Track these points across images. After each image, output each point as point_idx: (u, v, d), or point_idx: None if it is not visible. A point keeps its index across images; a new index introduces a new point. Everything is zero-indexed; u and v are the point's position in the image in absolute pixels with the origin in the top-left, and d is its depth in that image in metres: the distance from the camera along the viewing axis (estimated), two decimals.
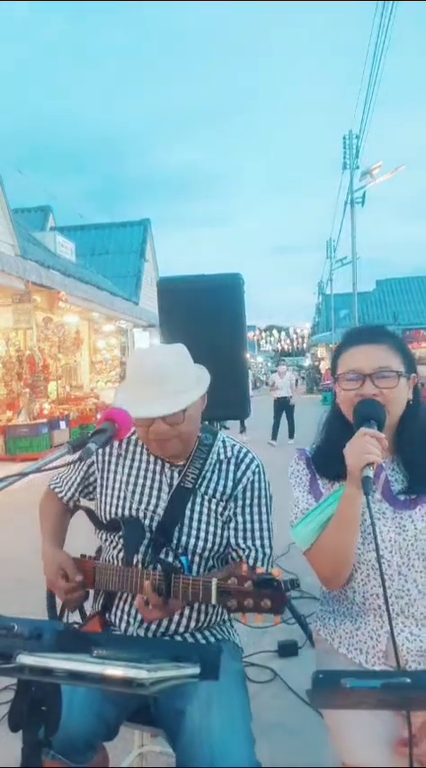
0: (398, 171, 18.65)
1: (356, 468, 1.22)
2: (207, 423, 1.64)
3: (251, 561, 1.45)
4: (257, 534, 1.49)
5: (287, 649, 2.88)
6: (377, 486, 1.37)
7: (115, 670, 0.80)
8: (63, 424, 11.29)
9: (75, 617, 1.59)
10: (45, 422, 10.68)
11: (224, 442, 1.58)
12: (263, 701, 2.46)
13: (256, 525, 1.49)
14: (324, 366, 33.14)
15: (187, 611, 1.49)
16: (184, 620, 1.49)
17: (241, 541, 1.48)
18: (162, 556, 1.46)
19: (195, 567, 1.48)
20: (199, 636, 1.53)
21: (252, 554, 1.47)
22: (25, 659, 0.82)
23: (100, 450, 1.30)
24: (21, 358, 11.47)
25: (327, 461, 1.39)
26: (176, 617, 1.48)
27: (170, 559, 1.46)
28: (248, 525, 1.49)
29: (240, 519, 1.49)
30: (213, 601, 1.18)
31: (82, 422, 12.16)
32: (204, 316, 2.74)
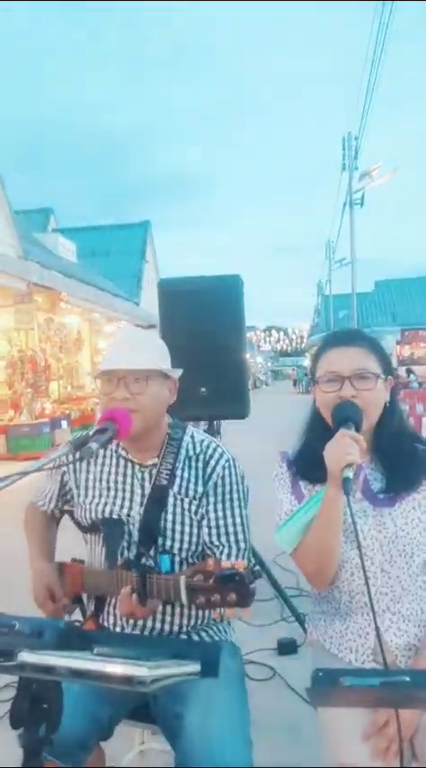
0: (397, 172, 18.65)
1: (336, 470, 1.23)
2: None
3: (224, 557, 1.45)
4: (231, 530, 1.48)
5: (286, 647, 2.88)
6: (357, 485, 1.39)
7: (116, 668, 0.80)
8: (64, 424, 11.30)
9: (76, 615, 1.59)
10: (46, 421, 10.69)
11: (192, 436, 1.56)
12: (262, 699, 2.46)
13: (229, 520, 1.48)
14: None
15: (178, 610, 1.49)
16: (177, 620, 1.50)
17: (215, 538, 1.48)
18: (143, 559, 1.46)
19: (177, 567, 1.47)
20: (195, 636, 1.53)
21: (226, 550, 1.46)
22: (26, 657, 0.83)
23: (69, 458, 1.30)
24: (23, 358, 11.48)
25: (308, 464, 1.40)
26: (168, 617, 1.48)
27: (151, 562, 1.45)
28: (221, 521, 1.48)
29: (213, 516, 1.48)
30: (183, 599, 1.18)
31: (83, 422, 12.17)
32: (204, 316, 2.74)
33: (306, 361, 43.22)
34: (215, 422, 2.99)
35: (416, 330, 27.13)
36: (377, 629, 1.20)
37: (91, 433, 1.35)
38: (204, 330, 2.66)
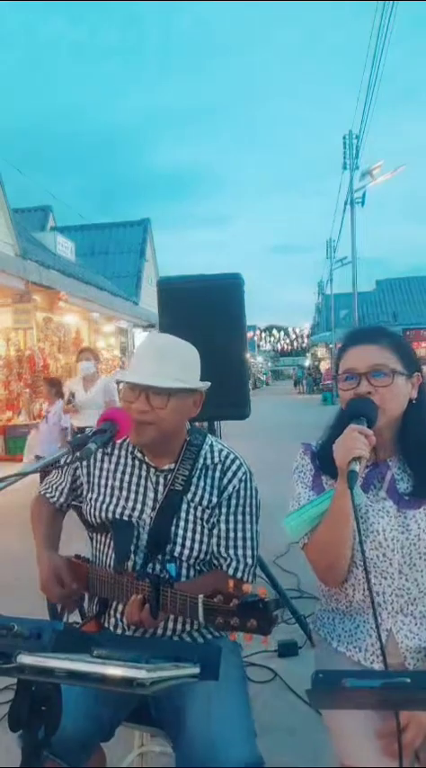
0: (398, 171, 18.66)
1: (343, 463, 1.24)
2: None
3: (231, 571, 1.44)
4: (240, 543, 1.47)
5: (287, 649, 2.87)
6: (383, 484, 1.38)
7: (115, 670, 0.80)
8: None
9: (74, 617, 1.59)
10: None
11: (211, 446, 1.55)
12: (263, 700, 2.46)
13: (239, 534, 1.47)
14: (324, 366, 33.13)
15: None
16: (179, 625, 1.48)
17: (223, 550, 1.47)
18: (150, 564, 1.45)
19: (184, 572, 1.46)
20: (196, 635, 1.52)
21: (233, 564, 1.46)
22: (25, 659, 0.82)
23: (68, 458, 1.29)
24: (21, 358, 11.46)
25: (329, 459, 1.40)
26: (170, 623, 1.47)
27: (158, 567, 1.45)
28: (231, 534, 1.47)
29: (223, 527, 1.47)
30: (200, 618, 1.17)
31: None
32: (204, 316, 2.73)
33: (307, 361, 43.28)
34: (214, 423, 2.98)
35: (418, 329, 27.14)
36: (378, 628, 1.20)
37: (90, 433, 1.35)
38: (204, 329, 2.65)
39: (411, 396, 1.38)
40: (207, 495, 1.48)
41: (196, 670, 0.85)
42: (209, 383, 1.51)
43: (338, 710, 1.27)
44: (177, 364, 1.44)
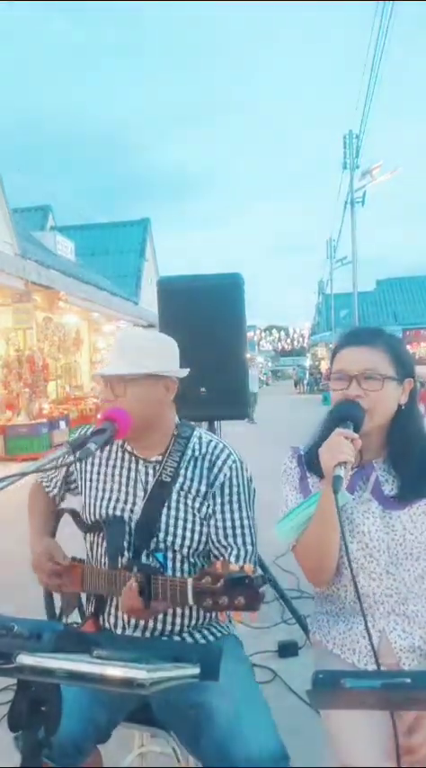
0: (398, 171, 18.66)
1: (328, 467, 1.25)
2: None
3: (233, 558, 1.45)
4: (238, 531, 1.48)
5: (287, 649, 2.88)
6: (368, 485, 1.39)
7: (115, 670, 0.80)
8: (63, 424, 11.29)
9: (74, 617, 1.59)
10: (45, 422, 10.67)
11: (200, 438, 1.56)
12: None
13: (236, 522, 1.48)
14: (324, 366, 33.13)
15: (180, 610, 1.48)
16: (178, 620, 1.49)
17: (222, 539, 1.48)
18: (143, 555, 1.46)
19: (178, 565, 1.47)
20: (197, 635, 1.52)
21: (234, 551, 1.46)
22: (25, 659, 0.82)
23: (67, 458, 1.31)
24: (20, 358, 11.46)
25: (317, 460, 1.40)
26: (169, 617, 1.48)
27: (150, 559, 1.46)
28: (228, 523, 1.48)
29: (219, 516, 1.48)
30: (190, 601, 1.18)
31: (81, 422, 12.16)
32: (204, 316, 2.73)
33: (308, 361, 43.24)
34: (213, 423, 2.99)
35: (417, 329, 27.14)
36: (367, 629, 1.20)
37: (89, 432, 1.35)
38: (204, 329, 2.65)
39: (400, 401, 1.38)
40: (195, 485, 1.49)
41: (196, 670, 0.85)
42: (186, 370, 1.53)
43: (337, 711, 1.27)
44: (136, 352, 1.47)
